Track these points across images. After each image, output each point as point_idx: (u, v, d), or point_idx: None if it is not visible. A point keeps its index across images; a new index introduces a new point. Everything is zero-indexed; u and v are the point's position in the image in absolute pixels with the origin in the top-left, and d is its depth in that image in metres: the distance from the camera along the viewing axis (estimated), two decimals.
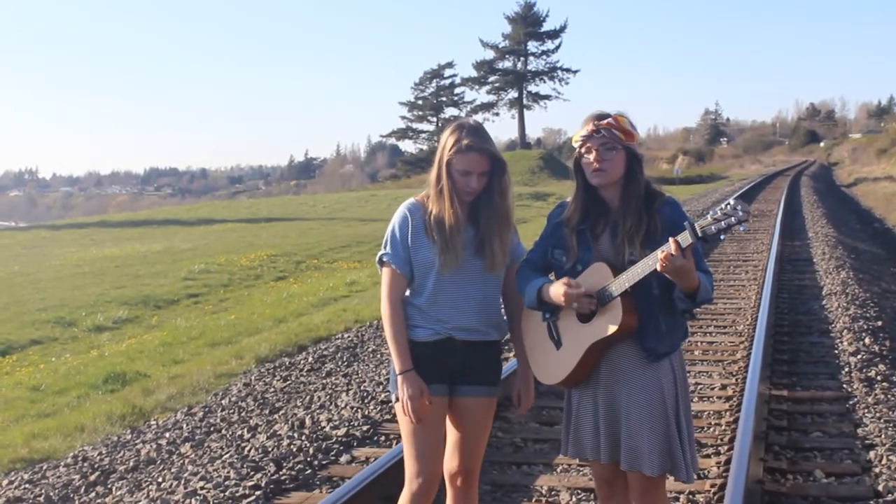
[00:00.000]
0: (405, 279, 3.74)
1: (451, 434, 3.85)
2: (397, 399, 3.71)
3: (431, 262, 3.69)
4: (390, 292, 3.74)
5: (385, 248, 3.77)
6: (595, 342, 3.51)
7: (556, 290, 3.57)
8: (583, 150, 3.56)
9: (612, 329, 3.45)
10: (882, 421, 6.41)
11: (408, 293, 3.77)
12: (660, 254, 3.26)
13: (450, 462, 3.84)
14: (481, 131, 3.71)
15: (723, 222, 3.17)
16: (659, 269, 3.27)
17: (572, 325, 3.60)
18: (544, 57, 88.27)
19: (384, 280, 3.76)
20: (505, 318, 3.95)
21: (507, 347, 6.73)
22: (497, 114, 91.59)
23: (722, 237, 3.21)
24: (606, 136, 3.50)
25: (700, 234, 3.21)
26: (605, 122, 3.50)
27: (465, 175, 3.66)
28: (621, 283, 3.43)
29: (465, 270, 3.72)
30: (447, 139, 3.69)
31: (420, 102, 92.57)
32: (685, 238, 3.24)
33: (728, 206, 3.18)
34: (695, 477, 3.65)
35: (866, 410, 6.73)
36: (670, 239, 3.25)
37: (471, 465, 3.85)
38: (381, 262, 3.77)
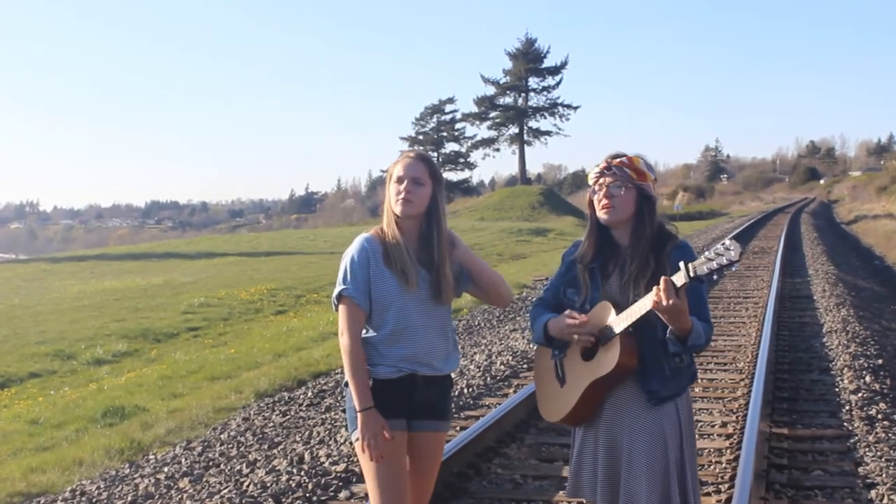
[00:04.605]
0: (365, 313, 3.70)
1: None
2: (357, 438, 3.68)
3: (393, 295, 3.68)
4: (350, 327, 3.68)
5: (344, 282, 3.70)
6: (594, 381, 3.52)
7: (559, 322, 3.61)
8: (595, 186, 3.60)
9: (609, 368, 3.46)
10: (883, 460, 6.39)
11: (368, 331, 3.73)
12: (654, 292, 3.28)
13: None
14: (423, 153, 3.80)
15: (715, 262, 3.19)
16: (651, 306, 3.30)
17: (576, 363, 3.62)
18: (545, 93, 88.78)
19: (343, 315, 3.70)
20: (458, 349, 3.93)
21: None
22: (498, 149, 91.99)
23: (716, 277, 3.22)
24: (618, 173, 3.55)
25: (693, 275, 3.23)
26: (618, 160, 3.55)
27: (398, 182, 3.71)
28: (620, 322, 3.44)
29: (421, 302, 3.72)
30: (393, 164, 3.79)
31: (421, 137, 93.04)
32: (679, 278, 3.26)
33: (721, 247, 3.20)
34: None
35: (867, 449, 6.71)
36: (663, 278, 3.28)
37: (422, 500, 3.86)
38: (340, 298, 3.71)
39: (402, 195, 3.70)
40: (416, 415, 3.76)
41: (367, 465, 3.72)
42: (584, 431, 3.68)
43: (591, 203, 3.65)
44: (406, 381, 3.71)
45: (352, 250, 3.74)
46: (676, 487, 3.50)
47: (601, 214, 3.59)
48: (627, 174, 3.54)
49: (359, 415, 3.64)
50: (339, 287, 3.72)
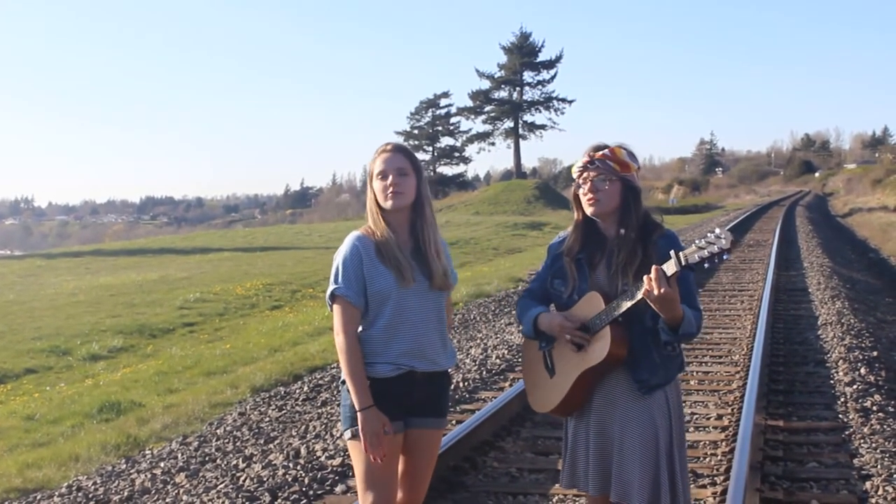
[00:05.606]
0: (359, 311, 3.68)
1: (400, 466, 3.82)
2: (352, 436, 3.67)
3: (389, 290, 3.66)
4: (346, 326, 3.66)
5: (336, 282, 3.68)
6: (584, 371, 3.53)
7: (552, 321, 3.61)
8: (580, 180, 3.60)
9: (600, 358, 3.48)
10: (878, 451, 6.41)
11: (365, 327, 3.72)
12: (644, 282, 3.28)
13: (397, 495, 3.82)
14: (399, 144, 3.81)
15: (706, 251, 3.18)
16: (642, 295, 3.30)
17: (565, 354, 3.63)
18: (540, 87, 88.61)
19: (338, 314, 3.67)
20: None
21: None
22: (493, 143, 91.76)
23: (707, 265, 3.21)
24: (601, 167, 3.54)
25: (684, 263, 3.23)
26: (600, 153, 3.55)
27: (383, 177, 3.70)
28: (610, 313, 3.45)
29: (418, 295, 3.71)
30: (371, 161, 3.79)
31: (416, 132, 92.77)
32: (670, 267, 3.26)
33: (712, 235, 3.19)
34: None
35: (862, 441, 6.72)
36: (654, 267, 3.28)
37: (418, 497, 3.86)
38: (333, 297, 3.69)
39: (391, 189, 3.68)
40: (414, 412, 3.75)
41: (358, 465, 3.71)
42: (576, 422, 3.69)
43: (575, 197, 3.66)
44: (405, 378, 3.69)
45: (343, 249, 3.73)
46: (666, 474, 3.51)
47: (587, 208, 3.60)
48: (611, 167, 3.54)
49: (359, 414, 3.61)
50: (331, 286, 3.70)
